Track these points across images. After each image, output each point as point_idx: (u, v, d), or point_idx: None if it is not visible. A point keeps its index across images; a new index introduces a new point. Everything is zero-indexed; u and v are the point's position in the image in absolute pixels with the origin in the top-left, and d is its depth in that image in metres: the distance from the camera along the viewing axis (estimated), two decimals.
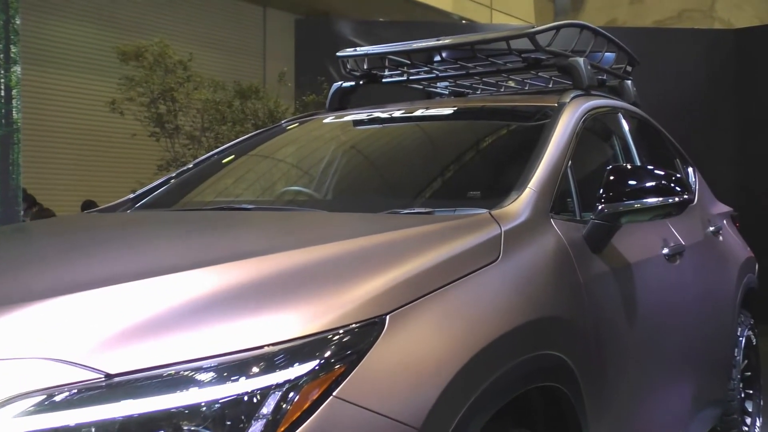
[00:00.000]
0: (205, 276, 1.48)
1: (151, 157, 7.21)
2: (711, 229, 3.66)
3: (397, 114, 2.98)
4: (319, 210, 2.40)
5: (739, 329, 3.75)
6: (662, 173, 2.27)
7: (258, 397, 1.24)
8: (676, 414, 2.92)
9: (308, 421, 1.23)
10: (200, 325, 1.33)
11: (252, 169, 3.05)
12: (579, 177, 2.41)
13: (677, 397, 2.93)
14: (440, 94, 3.87)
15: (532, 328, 1.77)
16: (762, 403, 4.11)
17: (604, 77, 3.66)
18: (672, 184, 2.24)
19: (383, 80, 3.45)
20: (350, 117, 3.10)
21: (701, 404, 3.20)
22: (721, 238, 3.78)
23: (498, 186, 2.22)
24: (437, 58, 3.17)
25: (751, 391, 3.98)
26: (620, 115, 3.14)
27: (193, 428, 1.20)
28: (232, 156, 3.07)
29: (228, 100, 6.97)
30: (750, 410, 3.95)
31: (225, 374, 1.25)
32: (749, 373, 3.97)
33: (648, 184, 2.22)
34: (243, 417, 1.22)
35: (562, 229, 2.12)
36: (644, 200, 2.20)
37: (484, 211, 1.98)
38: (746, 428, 3.86)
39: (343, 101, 3.44)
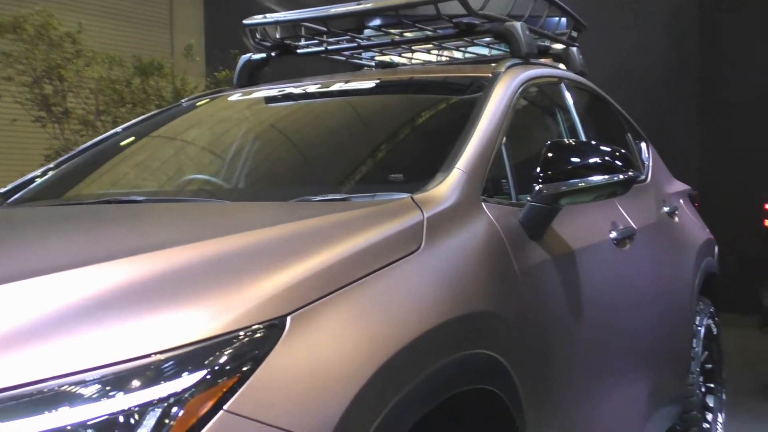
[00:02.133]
0: (82, 278, 1.44)
1: (37, 145, 7.00)
2: (666, 209, 3.75)
3: (312, 89, 2.96)
4: (219, 200, 2.36)
5: (698, 318, 3.85)
6: (606, 149, 2.30)
7: (135, 415, 1.21)
8: (631, 415, 2.98)
9: None
10: (74, 334, 1.29)
11: (145, 156, 2.99)
12: (515, 156, 2.43)
13: (631, 397, 2.99)
14: (366, 66, 3.86)
15: (460, 325, 1.77)
16: (724, 398, 4.23)
17: (547, 44, 3.71)
18: (616, 161, 2.27)
19: (298, 51, 3.42)
20: (259, 94, 3.07)
21: (658, 402, 3.28)
22: (677, 219, 3.87)
23: (423, 168, 2.22)
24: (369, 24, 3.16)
25: (712, 386, 4.10)
26: (563, 86, 3.17)
27: None
28: (123, 142, 3.00)
29: (126, 79, 6.80)
30: (711, 406, 4.06)
31: (99, 390, 1.21)
32: (710, 366, 4.09)
33: (590, 161, 2.25)
34: None
35: (495, 214, 2.14)
36: (586, 179, 2.22)
37: (406, 195, 1.98)
38: (707, 425, 3.97)
39: (252, 76, 3.40)
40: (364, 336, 1.50)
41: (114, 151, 2.97)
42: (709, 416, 4.04)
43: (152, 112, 3.28)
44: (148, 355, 1.26)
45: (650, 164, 3.93)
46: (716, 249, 4.39)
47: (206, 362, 1.28)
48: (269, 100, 3.05)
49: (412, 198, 1.96)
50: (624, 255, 2.94)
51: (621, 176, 2.27)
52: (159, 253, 1.53)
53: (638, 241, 3.10)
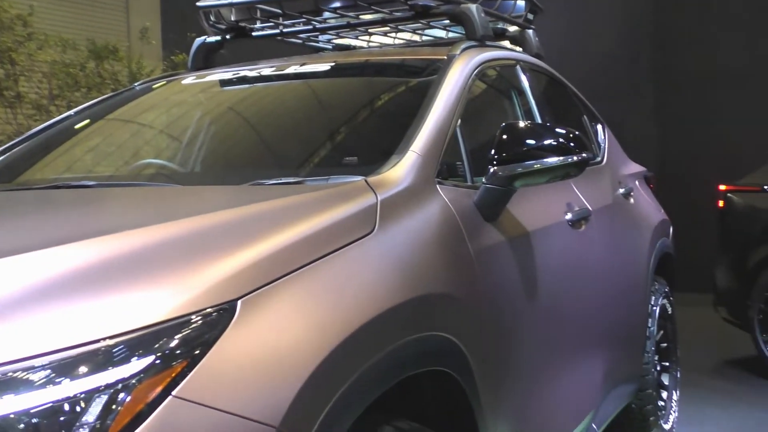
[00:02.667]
0: (30, 263, 1.42)
1: None
2: (621, 191, 3.79)
3: (267, 72, 2.94)
4: (170, 185, 2.34)
5: (653, 298, 3.91)
6: (560, 131, 2.32)
7: (81, 402, 1.19)
8: (587, 394, 3.02)
9: (142, 426, 1.20)
10: (21, 319, 1.27)
11: (97, 140, 2.95)
12: (470, 138, 2.44)
13: (587, 377, 3.03)
14: (323, 49, 3.84)
15: (414, 308, 1.78)
16: (679, 376, 4.31)
17: (503, 26, 3.72)
18: (570, 143, 2.29)
19: (253, 34, 3.39)
20: (214, 77, 3.03)
21: (613, 381, 3.33)
22: (632, 200, 3.92)
23: (378, 151, 2.22)
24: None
25: (667, 364, 4.17)
26: (519, 69, 3.18)
27: None
28: (76, 126, 2.96)
29: (81, 62, 6.70)
30: (666, 384, 4.14)
31: (46, 377, 1.20)
32: (665, 345, 4.16)
33: (545, 143, 2.26)
34: (60, 428, 1.17)
35: (450, 196, 2.14)
36: (541, 161, 2.24)
37: (360, 178, 1.97)
38: (662, 403, 4.04)
39: (207, 59, 3.37)
40: (316, 319, 1.49)
41: (65, 136, 2.93)
42: (665, 394, 4.11)
43: (104, 96, 3.23)
44: (97, 341, 1.24)
45: (606, 146, 3.97)
46: (671, 230, 4.46)
47: (155, 347, 1.27)
48: (224, 83, 3.02)
49: (366, 181, 1.96)
50: (579, 236, 2.97)
51: (575, 158, 2.29)
52: (108, 238, 1.51)
53: (594, 222, 3.13)
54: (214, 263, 1.43)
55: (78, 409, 1.19)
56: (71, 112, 3.09)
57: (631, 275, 3.63)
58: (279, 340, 1.41)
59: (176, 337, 1.29)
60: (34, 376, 1.20)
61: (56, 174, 2.74)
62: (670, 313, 4.20)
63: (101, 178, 2.56)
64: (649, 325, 3.82)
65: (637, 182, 4.20)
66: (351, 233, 1.72)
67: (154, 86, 3.14)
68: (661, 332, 4.09)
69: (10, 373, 1.20)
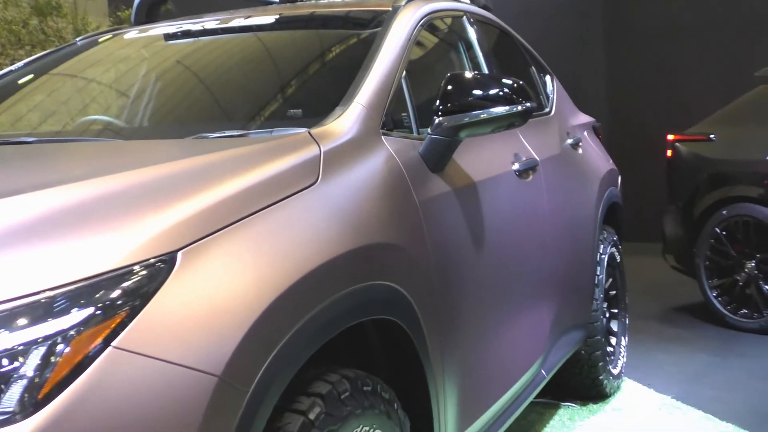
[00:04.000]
0: None
1: None
2: (569, 141, 3.83)
3: (210, 26, 2.90)
4: (112, 140, 2.31)
5: (602, 246, 3.98)
6: (505, 81, 2.33)
7: (19, 354, 1.19)
8: (535, 342, 3.08)
9: (81, 377, 1.20)
10: None
11: (37, 98, 2.89)
12: (416, 90, 2.44)
13: (534, 324, 3.09)
14: (270, 3, 3.79)
15: (358, 257, 1.79)
16: (627, 322, 4.41)
17: None
18: (515, 93, 2.31)
19: None
20: (157, 31, 2.99)
21: (562, 329, 3.40)
22: (580, 150, 3.96)
23: (322, 103, 2.21)
24: None
25: (616, 311, 4.26)
26: (466, 20, 3.18)
27: None
28: (16, 82, 2.89)
29: (23, 19, 6.53)
30: (615, 330, 4.23)
31: None
32: (614, 292, 4.24)
33: (489, 93, 2.28)
34: None
35: (395, 147, 2.15)
36: (485, 110, 2.25)
37: (303, 130, 1.97)
38: (611, 348, 4.14)
39: (150, 14, 3.31)
40: (258, 269, 1.50)
41: (7, 92, 2.86)
42: (613, 340, 4.21)
43: (43, 52, 3.16)
44: (37, 293, 1.24)
45: (554, 97, 4.00)
46: (620, 179, 4.52)
47: (95, 298, 1.27)
48: (167, 37, 2.98)
49: (309, 133, 1.95)
50: (526, 186, 3.01)
51: (519, 107, 2.31)
52: (46, 191, 1.50)
53: (541, 172, 3.17)
54: (155, 215, 1.43)
55: (16, 360, 1.19)
56: (13, 67, 3.02)
57: (579, 224, 3.69)
58: (220, 290, 1.41)
59: (116, 288, 1.29)
60: None
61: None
62: (618, 261, 4.28)
63: (44, 134, 2.52)
64: (598, 273, 3.89)
65: (585, 133, 4.24)
66: (293, 184, 1.73)
67: (100, 40, 3.08)
68: (610, 280, 4.17)
69: None
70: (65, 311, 1.24)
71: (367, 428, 1.78)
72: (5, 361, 1.19)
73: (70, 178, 1.59)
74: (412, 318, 1.99)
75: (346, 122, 2.05)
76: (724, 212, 5.43)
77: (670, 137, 5.91)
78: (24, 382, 1.18)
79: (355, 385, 1.74)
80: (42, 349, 1.20)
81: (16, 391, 1.17)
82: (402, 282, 1.95)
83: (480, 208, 2.53)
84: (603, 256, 3.98)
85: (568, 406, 3.96)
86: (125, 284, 1.30)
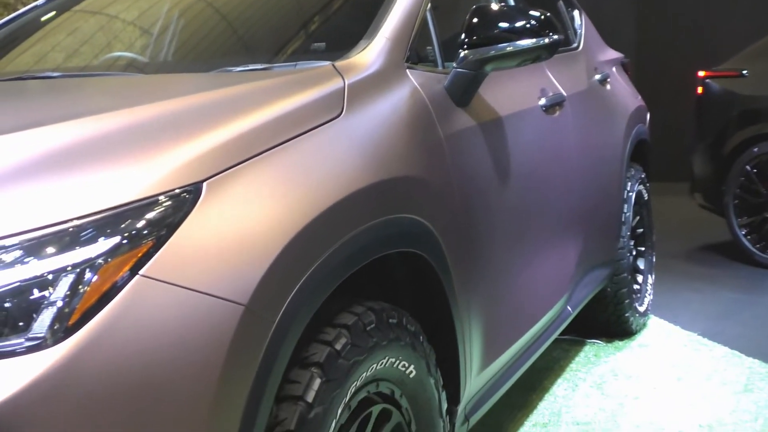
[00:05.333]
0: (3, 144, 1.42)
1: None
2: (597, 77, 3.77)
3: None
4: (137, 74, 2.31)
5: (629, 184, 3.94)
6: (531, 13, 2.29)
7: (48, 282, 1.21)
8: (560, 278, 3.08)
9: (111, 304, 1.22)
10: None
11: (63, 34, 2.88)
12: (441, 23, 2.40)
13: (560, 261, 3.08)
14: None
15: (383, 190, 1.79)
16: (654, 260, 4.40)
17: None
18: (542, 25, 2.27)
19: None
20: None
21: (588, 266, 3.39)
22: (608, 87, 3.90)
23: (346, 36, 2.19)
24: None
25: (642, 249, 4.25)
26: None
27: None
28: (40, 19, 2.89)
29: None
30: (642, 268, 4.22)
31: (14, 257, 1.21)
32: (640, 230, 4.22)
33: (515, 26, 2.24)
34: (30, 306, 1.19)
35: (420, 81, 2.13)
36: (511, 43, 2.22)
37: (327, 63, 1.96)
38: (637, 286, 4.13)
39: None
40: (283, 201, 1.50)
41: (31, 29, 2.86)
42: (640, 278, 4.20)
43: None
44: (65, 221, 1.25)
45: (582, 32, 3.93)
46: (648, 116, 4.46)
47: (122, 227, 1.27)
48: None
49: (333, 65, 1.94)
50: (553, 121, 2.97)
51: (546, 40, 2.27)
52: (74, 122, 1.51)
53: (568, 108, 3.13)
54: (180, 146, 1.43)
55: (46, 287, 1.21)
56: (36, 3, 3.01)
57: (606, 161, 3.65)
58: (246, 220, 1.42)
59: (142, 217, 1.30)
60: (3, 256, 1.21)
61: (24, 67, 2.69)
62: (645, 199, 4.24)
63: (69, 69, 2.52)
64: (625, 210, 3.87)
65: (614, 69, 4.18)
66: (318, 117, 1.72)
67: None
68: (637, 218, 4.14)
69: None
70: (92, 240, 1.25)
71: (393, 360, 1.80)
72: (35, 289, 1.21)
73: (96, 110, 1.60)
74: (437, 251, 1.99)
75: (370, 55, 2.03)
76: (755, 149, 5.35)
77: (701, 73, 5.80)
78: (54, 309, 1.19)
79: (381, 316, 1.75)
80: (71, 277, 1.22)
81: (46, 317, 1.19)
82: (427, 215, 1.94)
83: (505, 143, 2.51)
84: (630, 194, 3.95)
85: (594, 342, 3.97)
86: (151, 214, 1.31)
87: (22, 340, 1.17)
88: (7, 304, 1.19)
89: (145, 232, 1.29)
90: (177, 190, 1.35)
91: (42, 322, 1.19)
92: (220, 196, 1.40)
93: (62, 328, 1.19)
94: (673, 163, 7.07)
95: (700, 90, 5.79)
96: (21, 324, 1.19)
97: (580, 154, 3.23)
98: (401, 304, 1.95)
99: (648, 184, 4.27)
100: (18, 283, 1.20)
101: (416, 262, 1.97)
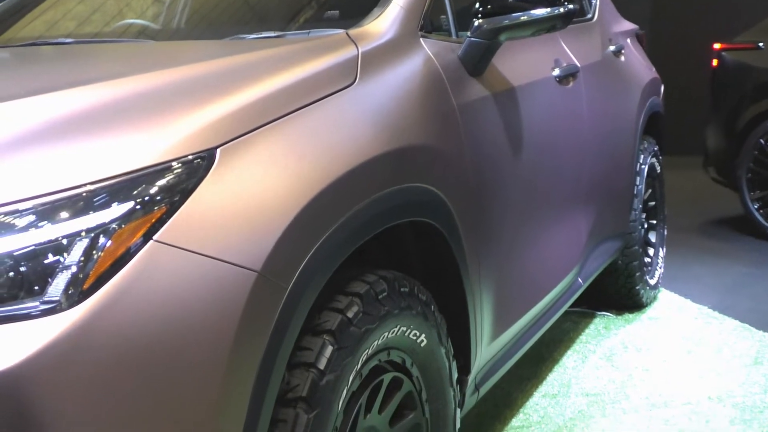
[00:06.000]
0: (11, 110, 1.42)
1: None
2: (612, 48, 3.74)
3: None
4: (150, 41, 2.31)
5: (642, 156, 3.92)
6: None
7: (62, 246, 1.21)
8: (571, 250, 3.08)
9: (125, 268, 1.22)
10: (5, 164, 1.28)
11: (72, 3, 2.88)
12: None
13: (572, 232, 3.08)
14: None
15: (396, 159, 1.78)
16: (665, 234, 4.39)
17: None
18: None
19: None
20: None
21: (599, 238, 3.39)
22: (623, 58, 3.87)
23: (360, 4, 2.17)
24: None
25: (654, 222, 4.23)
26: None
27: None
28: None
29: None
30: (653, 241, 4.21)
31: (28, 221, 1.22)
32: (652, 203, 4.20)
33: None
34: (44, 270, 1.20)
35: (434, 50, 2.11)
36: (526, 13, 2.20)
37: (341, 31, 1.94)
38: (648, 259, 4.13)
39: None
40: (296, 168, 1.50)
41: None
42: (651, 251, 4.19)
43: None
44: (78, 186, 1.25)
45: (597, 3, 3.88)
46: (662, 88, 4.42)
47: (135, 193, 1.28)
48: None
49: (347, 33, 1.93)
50: (566, 92, 2.95)
51: (560, 9, 2.25)
52: (88, 87, 1.52)
53: (582, 78, 3.10)
54: (194, 112, 1.43)
55: (60, 251, 1.21)
56: None
57: (619, 133, 3.63)
58: (259, 187, 1.42)
59: (155, 183, 1.30)
60: (18, 220, 1.22)
61: (37, 34, 2.69)
62: (658, 171, 4.22)
63: (82, 36, 2.52)
64: (637, 183, 3.85)
65: (628, 40, 4.14)
66: (331, 85, 1.71)
67: None
68: (649, 191, 4.12)
69: None
70: (105, 205, 1.26)
71: (404, 329, 1.80)
72: (50, 253, 1.21)
73: (110, 76, 1.60)
74: (449, 220, 1.99)
75: (383, 23, 2.01)
76: None
77: (716, 46, 5.74)
78: (68, 273, 1.20)
79: (393, 285, 1.76)
80: (85, 242, 1.22)
81: (61, 281, 1.20)
82: (439, 184, 1.94)
83: (518, 113, 2.50)
84: (643, 166, 3.93)
85: (604, 315, 3.98)
86: (164, 180, 1.31)
87: (37, 303, 1.18)
88: (22, 268, 1.20)
89: (159, 197, 1.29)
90: (190, 157, 1.35)
91: (57, 286, 1.19)
92: (234, 162, 1.40)
93: (77, 292, 1.19)
94: (687, 136, 7.03)
95: (715, 63, 5.74)
96: (36, 288, 1.19)
97: (593, 126, 3.21)
98: (412, 273, 1.95)
99: (661, 157, 4.25)
100: (33, 247, 1.20)
101: (428, 231, 1.97)
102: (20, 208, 1.22)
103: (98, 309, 1.19)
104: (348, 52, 1.84)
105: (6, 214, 1.22)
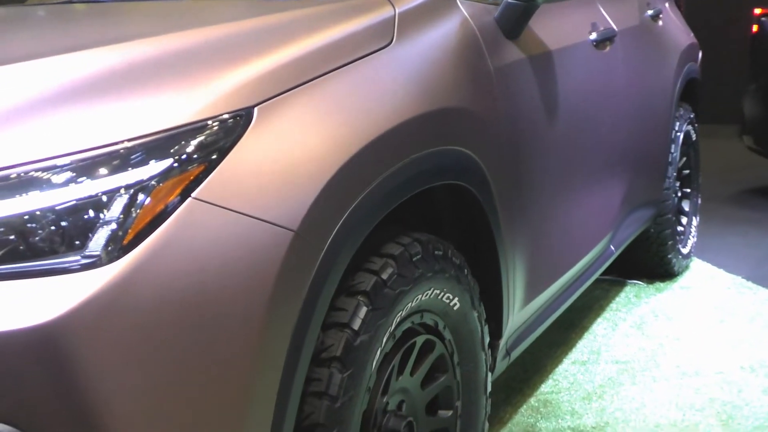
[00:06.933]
0: (50, 66, 1.43)
1: None
2: (649, 12, 3.68)
3: None
4: None
5: (677, 123, 3.87)
6: None
7: (104, 200, 1.23)
8: (604, 216, 3.06)
9: (163, 225, 1.23)
10: (45, 120, 1.29)
11: None
12: None
13: (605, 199, 3.05)
14: None
15: (432, 120, 1.77)
16: (699, 202, 4.34)
17: None
18: None
19: None
20: None
21: (632, 205, 3.36)
22: (660, 23, 3.81)
23: None
24: None
25: (688, 190, 4.19)
26: None
27: (31, 240, 1.20)
28: None
29: None
30: (686, 210, 4.17)
31: (67, 177, 1.23)
32: (687, 171, 4.15)
33: None
34: (85, 225, 1.21)
35: (470, 11, 2.09)
36: None
37: None
38: (681, 228, 4.09)
39: None
40: (333, 128, 1.50)
41: None
42: (684, 220, 4.15)
43: None
44: (115, 143, 1.26)
45: None
46: (700, 54, 4.35)
47: (173, 150, 1.28)
48: None
49: None
50: (603, 57, 2.92)
51: None
52: (126, 44, 1.52)
53: (619, 43, 3.06)
54: (231, 70, 1.43)
55: (100, 207, 1.23)
56: None
57: (655, 99, 3.58)
58: (297, 147, 1.42)
59: (193, 141, 1.30)
60: (57, 176, 1.23)
61: None
62: (693, 139, 4.17)
63: None
64: (672, 150, 3.80)
65: (666, 4, 4.07)
66: (368, 45, 1.70)
67: None
68: (684, 159, 4.07)
69: (33, 172, 1.23)
70: (143, 162, 1.26)
71: (438, 291, 1.81)
72: (90, 208, 1.22)
73: (147, 33, 1.61)
74: (483, 184, 1.98)
75: None
76: None
77: (757, 11, 5.62)
78: (108, 229, 1.21)
79: (427, 248, 1.76)
80: (124, 198, 1.23)
81: (101, 237, 1.21)
82: (474, 148, 1.93)
83: (554, 77, 2.47)
84: (678, 134, 3.88)
85: (635, 283, 3.95)
86: (202, 138, 1.31)
87: (78, 257, 1.20)
88: (63, 222, 1.21)
89: (196, 155, 1.29)
90: (228, 115, 1.35)
91: (97, 241, 1.21)
92: (271, 121, 1.40)
93: (116, 248, 1.21)
94: (724, 104, 6.91)
95: (754, 28, 5.62)
96: (77, 242, 1.21)
97: (629, 91, 3.17)
98: (446, 237, 1.95)
99: (696, 125, 4.19)
100: (74, 202, 1.22)
101: (462, 195, 1.96)
102: (59, 164, 1.23)
103: (137, 264, 1.21)
104: (385, 13, 1.82)
105: (46, 169, 1.23)
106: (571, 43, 2.65)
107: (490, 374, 2.08)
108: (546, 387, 2.90)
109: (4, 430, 1.16)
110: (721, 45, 7.34)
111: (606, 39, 2.94)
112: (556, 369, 3.04)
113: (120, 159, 1.25)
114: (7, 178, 1.22)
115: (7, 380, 1.15)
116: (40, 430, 1.17)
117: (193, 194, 1.27)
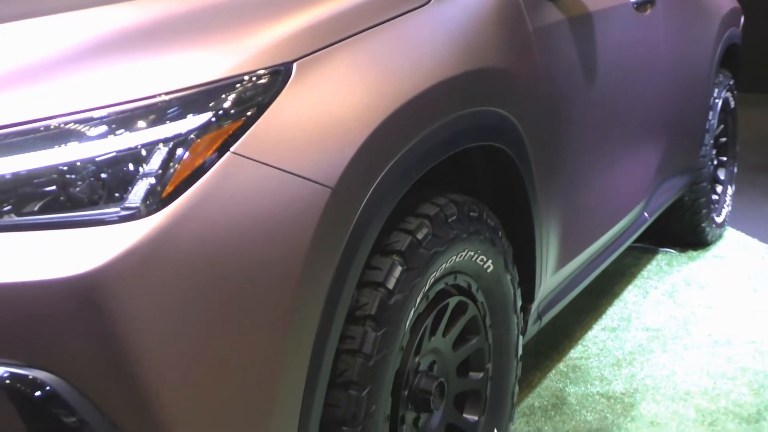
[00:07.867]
0: (88, 18, 1.44)
1: None
2: None
3: None
4: None
5: (716, 90, 3.80)
6: None
7: (143, 153, 1.23)
8: (639, 183, 3.02)
9: (202, 179, 1.23)
10: (83, 72, 1.30)
11: None
12: None
13: (641, 165, 3.02)
14: None
15: (470, 81, 1.75)
16: (735, 171, 4.27)
17: None
18: None
19: None
20: None
21: (668, 172, 3.32)
22: None
23: None
24: None
25: (724, 159, 4.12)
26: None
27: (71, 191, 1.20)
28: None
29: None
30: (722, 178, 4.11)
31: (106, 129, 1.23)
32: (724, 140, 4.09)
33: None
34: (124, 177, 1.22)
35: None
36: None
37: None
38: (716, 196, 4.03)
39: None
40: (372, 86, 1.49)
41: None
42: (719, 188, 4.10)
43: None
44: (153, 96, 1.26)
45: None
46: (741, 20, 4.25)
47: (212, 105, 1.28)
48: None
49: None
50: (643, 20, 2.86)
51: None
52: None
53: (659, 6, 3.00)
54: (270, 26, 1.42)
55: (140, 160, 1.23)
56: None
57: (694, 64, 3.52)
58: (335, 104, 1.41)
59: (232, 96, 1.30)
60: (96, 128, 1.23)
61: None
62: (732, 107, 4.09)
63: None
64: (710, 117, 3.74)
65: None
66: (406, 3, 1.68)
67: None
68: (721, 126, 4.01)
69: (72, 123, 1.23)
70: (181, 116, 1.26)
71: (472, 253, 1.80)
72: (130, 161, 1.23)
73: None
74: (520, 146, 1.96)
75: None
76: None
77: None
78: (147, 181, 1.22)
79: (462, 209, 1.75)
80: (163, 151, 1.24)
81: (140, 189, 1.21)
82: (511, 109, 1.91)
83: (594, 40, 2.43)
84: (716, 101, 3.81)
85: (667, 251, 3.92)
86: (241, 93, 1.31)
87: (118, 209, 1.20)
88: (103, 174, 1.22)
89: (234, 110, 1.29)
90: (266, 71, 1.34)
91: (136, 194, 1.21)
92: (310, 77, 1.39)
93: (156, 200, 1.21)
94: (763, 73, 6.78)
95: None
96: (116, 194, 1.21)
97: (668, 55, 3.11)
98: (481, 199, 1.94)
99: (735, 92, 4.11)
100: (114, 154, 1.22)
101: (498, 156, 1.94)
102: (96, 116, 1.24)
103: (176, 217, 1.21)
104: None
105: (85, 120, 1.23)
106: (612, 4, 2.61)
107: (521, 337, 2.08)
108: (575, 353, 2.89)
109: (44, 377, 1.18)
110: (764, 10, 7.17)
111: (647, 1, 2.88)
112: (586, 335, 3.03)
113: (157, 113, 1.25)
114: (46, 128, 1.22)
115: (48, 329, 1.17)
116: (80, 378, 1.18)
117: (232, 149, 1.27)
